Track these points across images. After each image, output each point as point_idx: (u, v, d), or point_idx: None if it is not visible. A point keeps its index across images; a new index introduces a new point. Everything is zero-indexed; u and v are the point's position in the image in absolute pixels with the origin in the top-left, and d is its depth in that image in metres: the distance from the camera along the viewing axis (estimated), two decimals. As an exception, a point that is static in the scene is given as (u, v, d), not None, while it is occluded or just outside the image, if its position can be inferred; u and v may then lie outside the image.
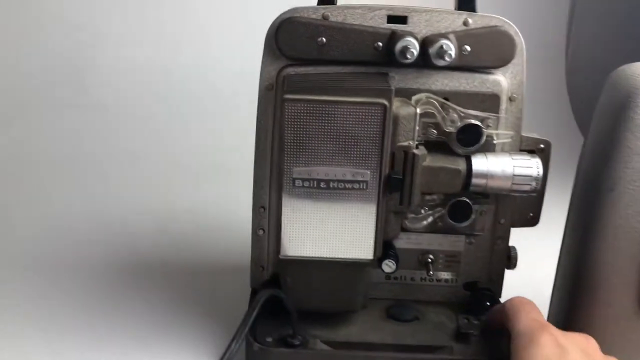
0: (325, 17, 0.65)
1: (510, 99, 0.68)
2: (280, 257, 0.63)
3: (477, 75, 0.67)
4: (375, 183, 0.61)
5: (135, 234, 0.95)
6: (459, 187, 0.64)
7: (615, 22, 1.53)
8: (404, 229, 0.69)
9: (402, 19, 0.65)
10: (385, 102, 0.58)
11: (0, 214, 0.98)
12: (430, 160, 0.64)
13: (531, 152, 0.70)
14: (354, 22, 0.65)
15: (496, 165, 0.65)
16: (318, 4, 0.66)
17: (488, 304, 0.72)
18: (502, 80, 0.67)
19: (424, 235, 0.73)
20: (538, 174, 0.65)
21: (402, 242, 0.73)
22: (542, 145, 0.70)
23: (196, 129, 1.29)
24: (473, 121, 0.64)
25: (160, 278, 0.85)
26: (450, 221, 0.68)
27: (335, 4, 0.67)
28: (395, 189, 0.61)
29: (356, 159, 0.60)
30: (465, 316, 0.71)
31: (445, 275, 0.75)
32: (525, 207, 0.72)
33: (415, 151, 0.63)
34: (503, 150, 0.68)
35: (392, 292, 0.75)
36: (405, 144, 0.62)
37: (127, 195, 1.09)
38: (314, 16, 0.65)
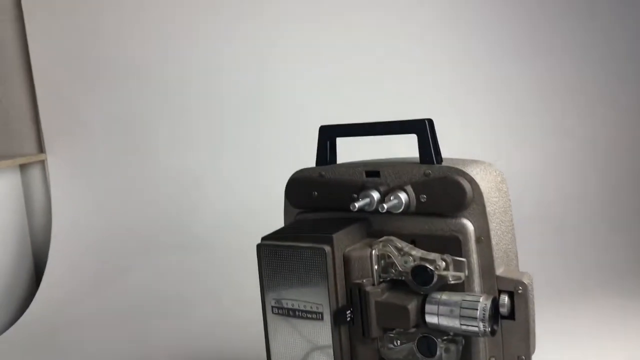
0: (321, 175, 0.82)
1: (477, 241, 0.72)
2: (269, 370, 0.79)
3: (442, 220, 0.73)
4: (329, 315, 0.72)
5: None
6: (410, 324, 0.70)
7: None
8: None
9: (376, 173, 0.78)
10: (324, 247, 0.71)
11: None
12: (385, 297, 0.73)
13: (510, 293, 0.71)
14: (340, 178, 0.80)
15: (445, 305, 0.69)
16: (316, 165, 0.84)
17: None
18: (466, 223, 0.72)
19: (420, 368, 0.78)
20: (484, 317, 0.67)
21: (403, 370, 0.79)
22: (519, 287, 0.70)
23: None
24: (422, 263, 0.70)
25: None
26: (420, 355, 0.73)
27: (329, 164, 0.83)
28: (342, 321, 0.72)
29: (312, 293, 0.73)
30: None
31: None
32: (513, 348, 0.72)
33: (367, 288, 0.72)
34: (474, 291, 0.71)
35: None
36: (359, 281, 0.73)
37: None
38: (313, 175, 0.83)
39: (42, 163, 1.78)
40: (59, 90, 1.74)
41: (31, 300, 1.58)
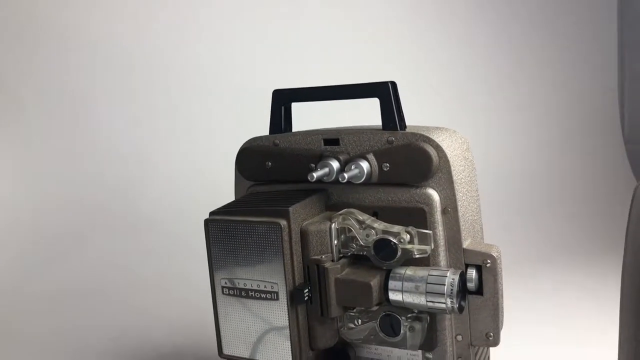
0: (275, 144, 0.75)
1: (444, 212, 0.67)
2: (220, 355, 0.72)
3: (407, 190, 0.68)
4: (285, 294, 0.67)
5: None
6: (373, 301, 0.65)
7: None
8: (345, 340, 0.71)
9: (335, 141, 0.72)
10: (280, 221, 0.65)
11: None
12: (345, 273, 0.67)
13: (477, 267, 0.67)
14: (297, 147, 0.74)
15: (410, 281, 0.64)
16: (270, 133, 0.77)
17: None
18: (432, 193, 0.67)
19: (383, 347, 0.73)
20: (451, 292, 0.62)
21: (364, 351, 0.75)
22: (487, 261, 0.66)
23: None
24: (385, 236, 0.65)
25: None
26: (382, 335, 0.68)
27: (284, 132, 0.76)
28: (299, 301, 0.66)
29: (266, 270, 0.67)
30: None
31: (407, 390, 0.73)
32: (480, 325, 0.68)
33: (326, 265, 0.67)
34: (440, 265, 0.67)
35: (361, 401, 0.76)
36: (318, 257, 0.67)
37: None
38: (266, 144, 0.76)
39: (-29, 138, 1.64)
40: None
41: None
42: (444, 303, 0.62)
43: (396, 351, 0.73)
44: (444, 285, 0.62)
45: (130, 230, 1.52)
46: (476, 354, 0.72)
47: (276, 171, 0.74)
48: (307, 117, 0.86)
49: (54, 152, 1.61)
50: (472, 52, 1.72)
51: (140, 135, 1.63)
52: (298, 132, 0.76)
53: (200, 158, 1.60)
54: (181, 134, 1.64)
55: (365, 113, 0.87)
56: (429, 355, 0.70)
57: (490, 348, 0.77)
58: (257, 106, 0.82)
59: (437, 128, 0.72)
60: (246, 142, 0.78)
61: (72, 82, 1.62)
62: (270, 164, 0.75)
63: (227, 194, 0.83)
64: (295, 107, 0.77)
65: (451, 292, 0.62)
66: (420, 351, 0.71)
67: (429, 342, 0.69)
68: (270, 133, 0.77)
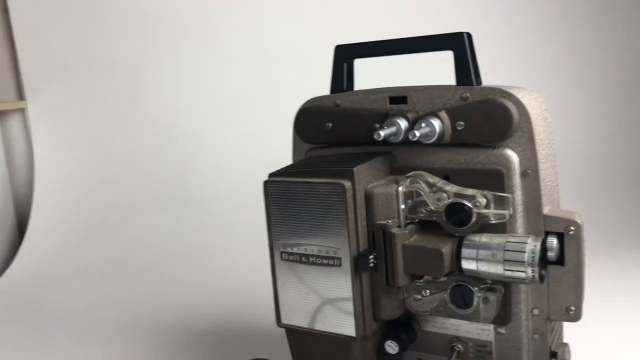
0: (336, 104, 0.71)
1: (524, 175, 0.62)
2: (278, 325, 0.69)
3: (482, 151, 0.63)
4: (348, 260, 0.63)
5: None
6: (444, 270, 0.61)
7: None
8: (410, 311, 0.67)
9: (403, 99, 0.67)
10: (343, 182, 0.61)
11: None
12: (414, 240, 0.63)
13: (559, 234, 0.61)
14: (360, 106, 0.69)
15: (486, 249, 0.59)
16: (330, 92, 0.73)
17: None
18: (510, 154, 0.62)
19: (450, 320, 0.69)
20: (533, 261, 0.57)
21: (429, 325, 0.70)
22: (571, 228, 0.60)
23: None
24: (458, 200, 0.60)
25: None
26: (452, 307, 0.63)
27: (345, 91, 0.72)
28: (363, 268, 0.62)
29: (328, 235, 0.63)
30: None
31: (476, 367, 0.68)
32: (561, 298, 0.62)
33: (393, 230, 0.62)
34: (517, 232, 0.62)
35: (425, 378, 0.72)
36: (384, 222, 0.63)
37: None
38: (326, 104, 0.72)
39: (22, 112, 1.65)
40: (39, 34, 1.61)
41: (13, 257, 1.47)
42: (524, 272, 0.57)
43: (465, 325, 0.68)
44: (525, 252, 0.57)
45: (182, 206, 1.51)
46: (552, 331, 0.67)
47: (337, 133, 0.70)
48: (364, 80, 0.81)
49: (100, 125, 1.61)
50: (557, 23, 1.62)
51: (186, 106, 1.61)
52: (361, 90, 0.71)
53: (252, 122, 1.57)
54: (231, 99, 1.60)
55: (429, 74, 0.81)
56: (502, 330, 0.65)
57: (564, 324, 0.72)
58: (314, 63, 0.78)
59: (513, 87, 0.66)
60: (305, 102, 0.73)
61: (115, 55, 1.61)
62: (330, 125, 0.70)
63: (283, 161, 0.79)
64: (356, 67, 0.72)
65: (532, 260, 0.57)
66: (491, 326, 0.66)
67: (503, 316, 0.64)
68: (331, 92, 0.72)
